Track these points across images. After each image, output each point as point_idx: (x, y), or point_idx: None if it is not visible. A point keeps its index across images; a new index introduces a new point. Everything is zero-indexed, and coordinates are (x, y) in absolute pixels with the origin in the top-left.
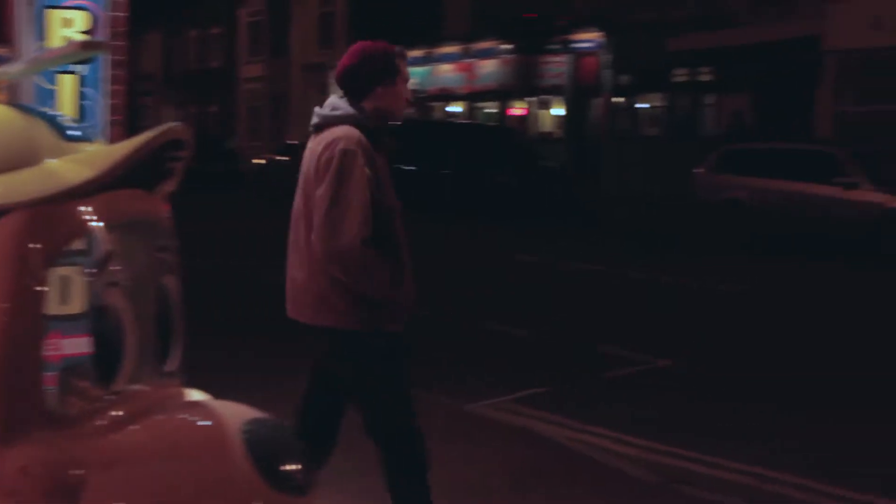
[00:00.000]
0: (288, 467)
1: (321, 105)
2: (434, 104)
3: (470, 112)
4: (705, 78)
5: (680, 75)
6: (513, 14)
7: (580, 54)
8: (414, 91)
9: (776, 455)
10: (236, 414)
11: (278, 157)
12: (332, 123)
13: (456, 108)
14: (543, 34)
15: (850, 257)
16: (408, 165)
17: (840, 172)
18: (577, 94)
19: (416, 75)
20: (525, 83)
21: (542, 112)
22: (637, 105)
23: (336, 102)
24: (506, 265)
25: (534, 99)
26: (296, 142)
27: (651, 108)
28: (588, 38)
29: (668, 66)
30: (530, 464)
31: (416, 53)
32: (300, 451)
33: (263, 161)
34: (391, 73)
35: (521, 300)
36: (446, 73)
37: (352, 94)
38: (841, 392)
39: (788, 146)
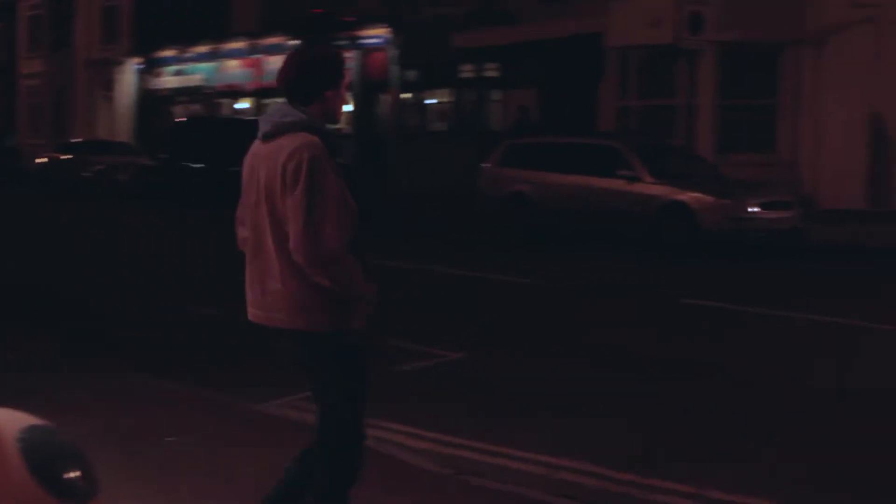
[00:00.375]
0: (68, 475)
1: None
2: (222, 101)
3: (258, 108)
4: (491, 74)
5: (466, 71)
6: (300, 10)
7: (368, 50)
8: (201, 87)
9: (568, 444)
10: (11, 421)
11: (61, 157)
12: (286, 131)
13: (244, 104)
14: (331, 30)
15: (635, 248)
16: (196, 163)
17: (623, 166)
18: (365, 90)
19: (203, 71)
20: None
21: None
22: (426, 101)
23: (285, 109)
24: None
25: None
26: (80, 140)
27: (438, 103)
28: (375, 34)
29: (455, 63)
30: None
31: (202, 49)
32: (79, 457)
33: (45, 160)
34: (341, 76)
35: None
36: (234, 69)
37: (300, 100)
38: (626, 380)
39: (572, 140)
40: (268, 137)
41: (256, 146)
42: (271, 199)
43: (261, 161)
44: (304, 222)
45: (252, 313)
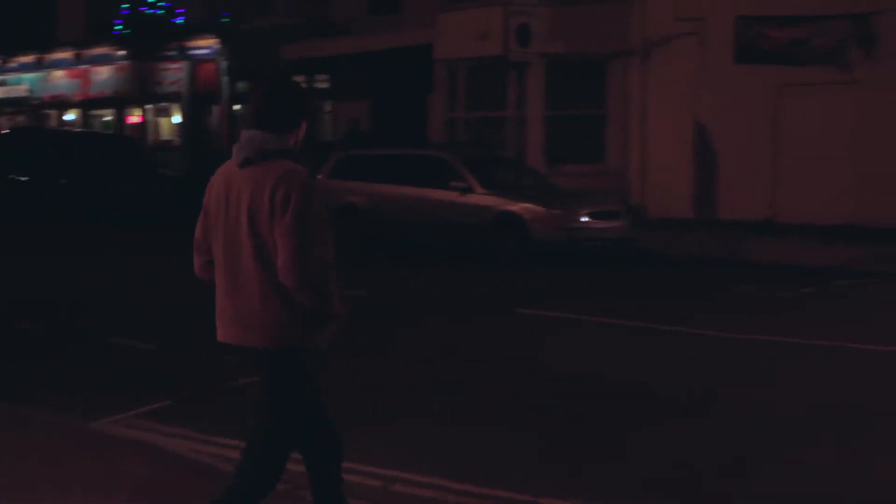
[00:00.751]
0: None
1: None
2: (48, 112)
3: (85, 120)
4: (322, 85)
5: (297, 83)
6: (127, 16)
7: (197, 61)
8: (27, 98)
9: (406, 457)
10: None
11: None
12: (268, 158)
13: (71, 115)
14: (158, 39)
15: (470, 259)
16: (21, 175)
17: (455, 177)
18: (195, 102)
19: (28, 82)
20: (141, 90)
21: (161, 119)
22: None
23: (265, 136)
24: (134, 274)
25: (151, 106)
26: None
27: None
28: (204, 45)
29: (286, 74)
30: (153, 480)
31: (26, 59)
32: None
33: None
34: (308, 109)
35: (150, 310)
36: (60, 79)
37: (279, 129)
38: (461, 392)
39: (403, 152)
40: (248, 164)
41: (231, 172)
42: (255, 223)
43: (241, 186)
44: (295, 246)
45: (223, 333)
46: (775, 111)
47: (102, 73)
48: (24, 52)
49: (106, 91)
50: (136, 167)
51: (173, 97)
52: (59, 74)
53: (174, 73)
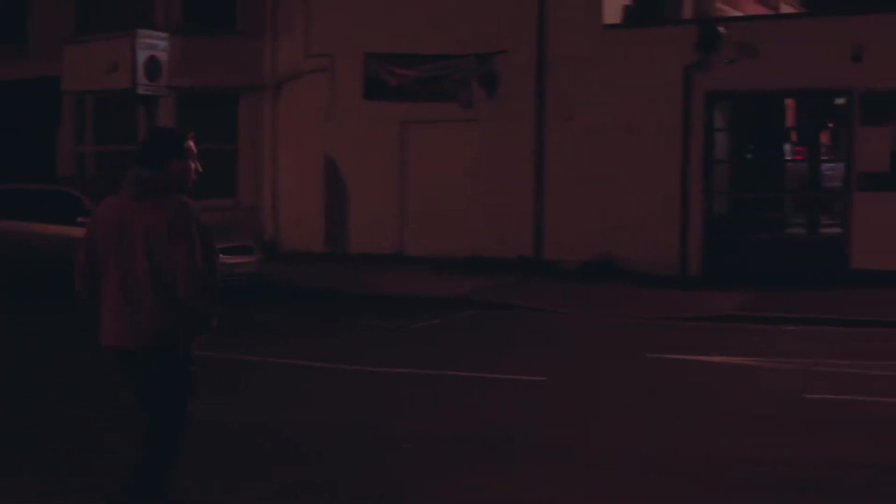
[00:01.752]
0: None
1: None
2: None
3: None
4: None
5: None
6: None
7: None
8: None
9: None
10: None
11: None
12: (157, 191)
13: None
14: None
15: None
16: None
17: (83, 213)
18: None
19: None
20: None
21: None
22: None
23: (150, 173)
24: None
25: None
26: None
27: None
28: None
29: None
30: None
31: None
32: None
33: None
34: (181, 149)
35: None
36: None
37: (154, 166)
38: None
39: (30, 187)
40: (140, 196)
41: (125, 204)
42: (150, 245)
43: (137, 216)
44: (191, 263)
45: (112, 338)
46: (402, 147)
47: None
48: None
49: None
50: None
51: None
52: None
53: None
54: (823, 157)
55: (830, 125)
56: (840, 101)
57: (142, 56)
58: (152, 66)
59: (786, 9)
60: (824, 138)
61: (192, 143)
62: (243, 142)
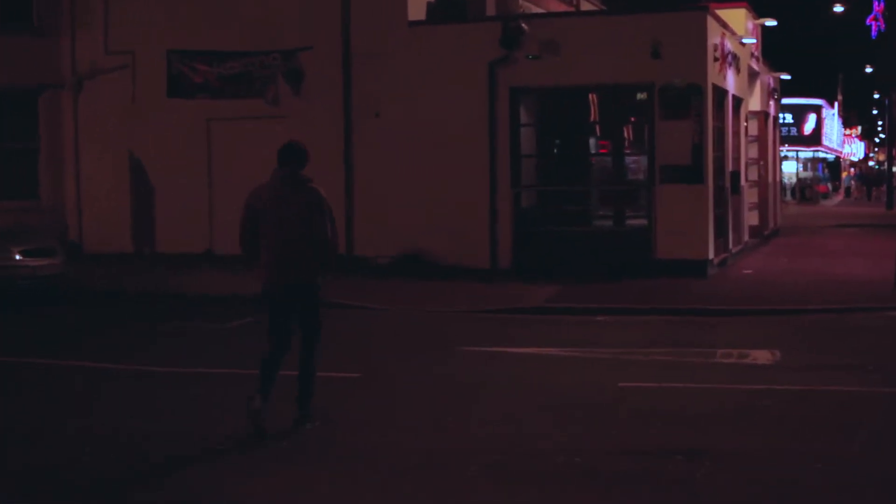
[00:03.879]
0: None
1: None
2: None
3: None
4: None
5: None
6: None
7: None
8: None
9: None
10: None
11: None
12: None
13: None
14: None
15: None
16: None
17: None
18: None
19: None
20: None
21: None
22: None
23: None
24: None
25: None
26: None
27: None
28: None
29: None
30: None
31: None
32: None
33: None
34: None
35: None
36: None
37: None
38: None
39: None
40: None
41: (275, 187)
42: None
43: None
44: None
45: (280, 279)
46: (207, 144)
47: None
48: None
49: None
50: None
51: None
52: None
53: None
54: (627, 151)
55: (633, 119)
56: (641, 95)
57: None
58: None
59: (587, 7)
60: (627, 132)
61: None
62: (45, 141)
